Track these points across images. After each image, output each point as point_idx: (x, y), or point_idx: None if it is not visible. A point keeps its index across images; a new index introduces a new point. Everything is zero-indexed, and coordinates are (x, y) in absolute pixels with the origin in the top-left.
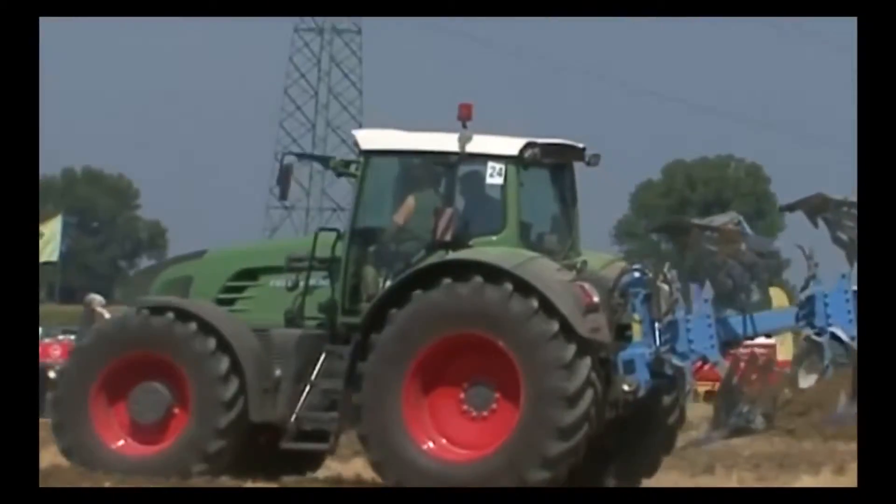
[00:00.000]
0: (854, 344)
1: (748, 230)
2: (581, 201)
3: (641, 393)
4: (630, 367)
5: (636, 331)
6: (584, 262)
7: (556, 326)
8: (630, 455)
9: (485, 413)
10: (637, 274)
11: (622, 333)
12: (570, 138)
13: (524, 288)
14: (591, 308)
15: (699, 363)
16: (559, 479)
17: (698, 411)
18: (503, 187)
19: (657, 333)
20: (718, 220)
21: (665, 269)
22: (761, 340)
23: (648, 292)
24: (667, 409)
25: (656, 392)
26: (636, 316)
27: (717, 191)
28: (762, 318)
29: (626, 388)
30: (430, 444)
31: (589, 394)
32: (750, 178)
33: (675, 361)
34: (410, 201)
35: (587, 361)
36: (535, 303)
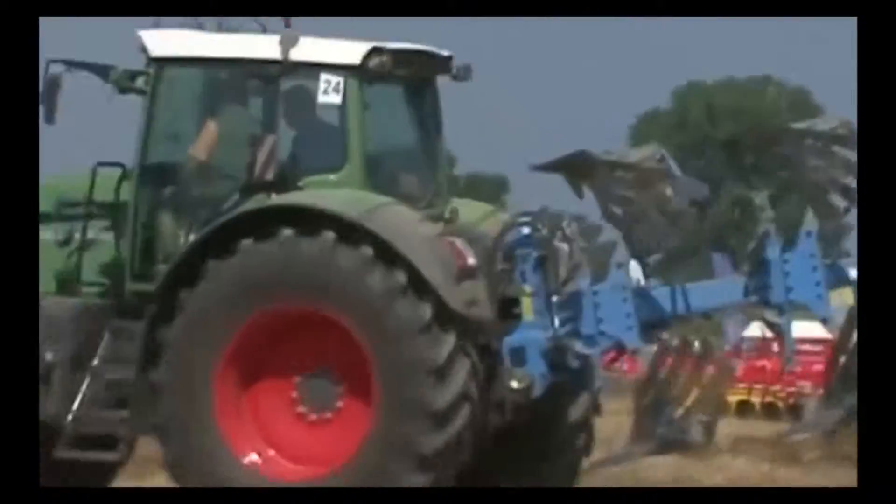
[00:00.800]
0: (827, 327)
1: (675, 170)
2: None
3: (537, 392)
4: (520, 356)
5: (527, 307)
6: (455, 212)
7: (427, 313)
8: (521, 478)
9: (326, 416)
10: (526, 230)
11: (508, 311)
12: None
13: (389, 256)
14: (466, 273)
15: (612, 352)
16: None
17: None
18: (342, 108)
19: (555, 311)
20: (634, 155)
21: (564, 224)
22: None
23: (543, 254)
24: (572, 418)
25: (557, 392)
26: (527, 287)
27: (748, 125)
28: (699, 290)
29: (514, 385)
30: (251, 455)
31: (465, 410)
32: (795, 109)
33: (580, 349)
34: (214, 128)
35: (465, 365)
36: (402, 278)
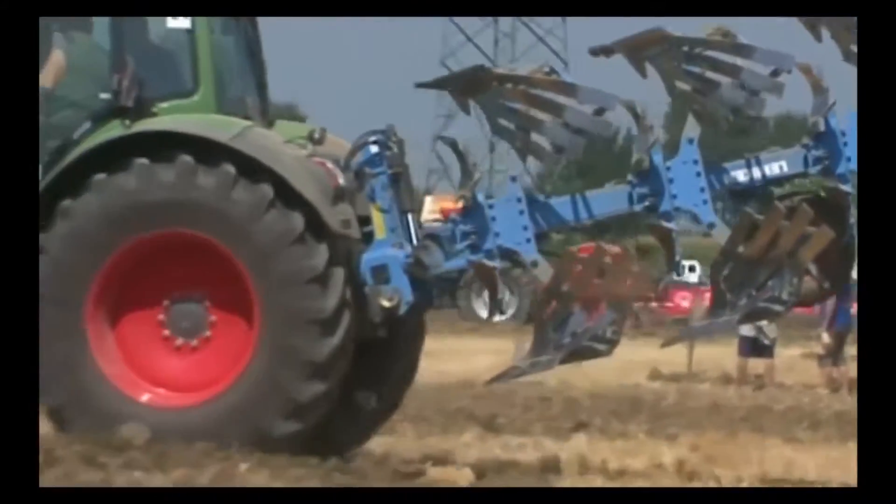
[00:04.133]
0: (713, 232)
1: (571, 79)
2: None
3: (403, 310)
4: (382, 274)
5: (379, 225)
6: (323, 132)
7: (300, 223)
8: (369, 389)
9: (196, 341)
10: (375, 149)
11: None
12: None
13: (252, 170)
14: (340, 194)
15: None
16: (307, 431)
17: None
18: (191, 33)
19: (413, 229)
20: (524, 69)
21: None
22: None
23: (396, 171)
24: (409, 327)
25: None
26: (378, 204)
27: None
28: (598, 198)
29: (385, 303)
30: (132, 390)
31: (346, 317)
32: None
33: (486, 262)
34: (58, 56)
35: (342, 272)
36: (269, 190)
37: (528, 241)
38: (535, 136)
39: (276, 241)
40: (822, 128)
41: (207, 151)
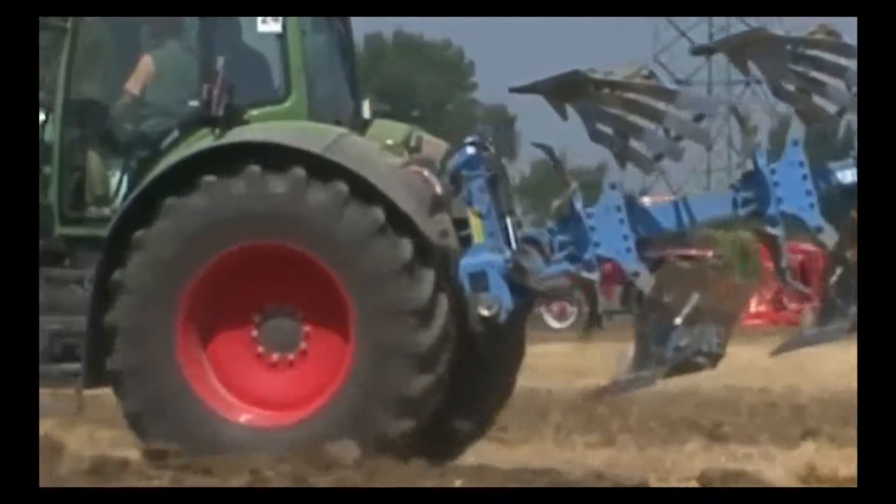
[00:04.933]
0: (823, 237)
1: (668, 85)
2: None
3: (503, 318)
4: (481, 281)
5: (477, 229)
6: (420, 139)
7: (408, 252)
8: (469, 405)
9: (288, 357)
10: (471, 150)
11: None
12: None
13: (365, 192)
14: (438, 204)
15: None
16: (422, 428)
17: None
18: (282, 37)
19: (512, 232)
20: (621, 72)
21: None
22: None
23: (494, 174)
24: (508, 339)
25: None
26: (476, 207)
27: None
28: (698, 202)
29: (485, 312)
30: (215, 401)
31: (446, 353)
32: None
33: (585, 274)
34: (147, 62)
35: (445, 302)
36: (380, 215)
37: (629, 250)
38: (633, 142)
39: (383, 267)
40: None
41: (300, 161)
